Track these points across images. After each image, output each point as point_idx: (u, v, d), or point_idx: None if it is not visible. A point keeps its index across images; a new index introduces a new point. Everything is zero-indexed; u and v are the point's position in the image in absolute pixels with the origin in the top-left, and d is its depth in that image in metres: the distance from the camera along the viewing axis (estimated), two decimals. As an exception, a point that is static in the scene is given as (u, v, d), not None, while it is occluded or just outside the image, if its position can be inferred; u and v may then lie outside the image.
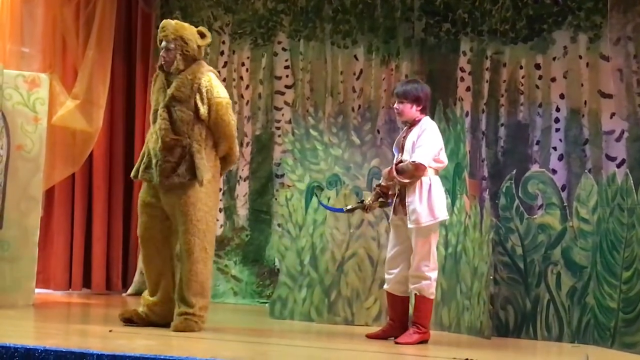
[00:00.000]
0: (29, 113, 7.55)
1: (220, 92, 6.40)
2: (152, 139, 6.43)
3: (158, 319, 6.45)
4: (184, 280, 6.32)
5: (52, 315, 7.28)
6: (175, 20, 6.56)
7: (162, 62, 6.40)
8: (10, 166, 7.43)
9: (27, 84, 7.58)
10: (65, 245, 8.87)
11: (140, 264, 8.83)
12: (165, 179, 6.29)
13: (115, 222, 9.07)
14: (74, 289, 8.87)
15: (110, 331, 6.11)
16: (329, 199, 7.29)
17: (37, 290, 7.80)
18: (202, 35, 6.45)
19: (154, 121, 6.44)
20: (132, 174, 6.62)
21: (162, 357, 4.88)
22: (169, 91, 6.34)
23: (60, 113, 8.37)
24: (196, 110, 6.32)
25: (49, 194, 8.70)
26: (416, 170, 6.26)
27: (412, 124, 6.40)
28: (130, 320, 6.46)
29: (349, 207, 6.68)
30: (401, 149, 6.41)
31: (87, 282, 8.96)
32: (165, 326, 6.32)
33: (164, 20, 6.54)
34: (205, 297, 6.38)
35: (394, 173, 6.31)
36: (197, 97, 6.32)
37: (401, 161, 6.36)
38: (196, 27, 6.51)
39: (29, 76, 7.64)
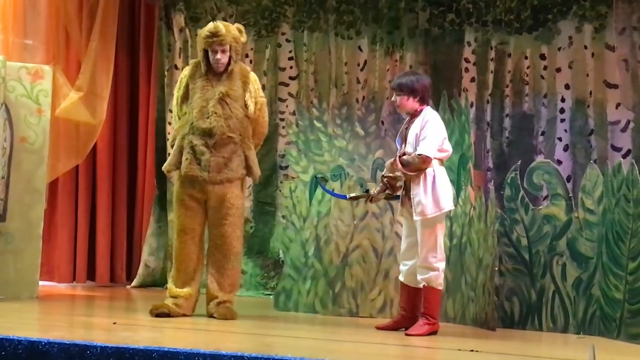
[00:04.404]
0: (32, 105, 7.54)
1: (261, 91, 6.82)
2: (193, 135, 6.50)
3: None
4: (224, 269, 6.64)
5: (56, 308, 7.28)
6: (221, 22, 6.64)
7: (217, 65, 6.52)
8: (13, 158, 7.43)
9: (30, 76, 7.56)
10: (69, 237, 8.87)
11: (145, 256, 8.84)
12: (217, 174, 6.53)
13: (119, 214, 9.06)
14: (78, 282, 8.87)
15: (114, 323, 6.10)
16: (333, 189, 7.27)
17: (41, 283, 7.80)
18: (240, 32, 6.63)
19: (200, 118, 6.49)
20: (165, 168, 6.66)
21: (166, 349, 4.86)
22: (222, 89, 6.53)
23: (63, 105, 8.37)
24: (246, 107, 6.60)
25: (53, 186, 8.69)
26: (423, 163, 6.23)
27: (413, 114, 6.37)
28: (166, 314, 6.47)
29: (353, 194, 6.75)
30: (404, 141, 6.38)
31: (91, 275, 8.96)
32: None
33: (212, 25, 6.55)
34: (237, 286, 6.84)
35: (399, 165, 6.29)
36: (247, 95, 6.61)
37: (404, 153, 6.34)
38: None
39: (32, 68, 7.63)
